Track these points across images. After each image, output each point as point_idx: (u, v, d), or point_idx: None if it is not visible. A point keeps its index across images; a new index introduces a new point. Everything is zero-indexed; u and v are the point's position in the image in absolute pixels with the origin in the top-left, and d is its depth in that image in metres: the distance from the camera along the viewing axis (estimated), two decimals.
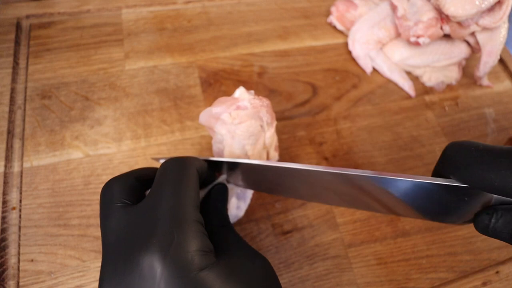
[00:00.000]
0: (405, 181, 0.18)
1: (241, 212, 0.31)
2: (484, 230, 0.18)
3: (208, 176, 0.25)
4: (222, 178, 0.28)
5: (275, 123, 0.29)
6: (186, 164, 0.21)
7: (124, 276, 0.17)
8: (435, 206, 0.20)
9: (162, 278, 0.16)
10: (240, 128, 0.25)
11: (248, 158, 0.27)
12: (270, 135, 0.28)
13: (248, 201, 0.32)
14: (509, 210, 0.17)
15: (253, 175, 0.27)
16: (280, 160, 0.36)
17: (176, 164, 0.21)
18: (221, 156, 0.28)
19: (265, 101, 0.27)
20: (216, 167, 0.27)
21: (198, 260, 0.17)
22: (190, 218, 0.18)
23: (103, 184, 0.32)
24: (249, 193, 0.32)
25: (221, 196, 0.26)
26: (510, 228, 0.17)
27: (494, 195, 0.17)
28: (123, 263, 0.17)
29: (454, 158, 0.18)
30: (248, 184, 0.30)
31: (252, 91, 0.27)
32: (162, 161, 0.29)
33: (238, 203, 0.31)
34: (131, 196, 0.20)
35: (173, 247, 0.17)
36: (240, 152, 0.27)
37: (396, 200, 0.21)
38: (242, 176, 0.28)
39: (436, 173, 0.19)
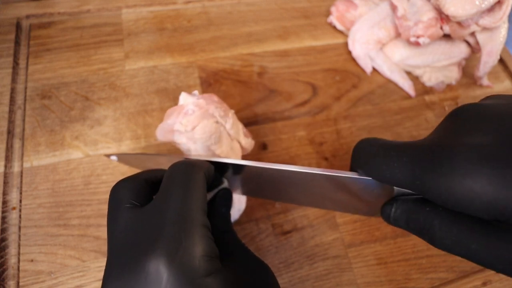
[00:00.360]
0: (320, 174, 0.21)
1: (235, 217, 0.31)
2: (387, 219, 0.20)
3: (214, 180, 0.25)
4: (226, 183, 0.28)
5: (231, 112, 0.28)
6: (194, 167, 0.21)
7: (129, 279, 0.17)
8: (352, 198, 0.22)
9: (169, 283, 0.16)
10: (197, 132, 0.25)
11: (219, 156, 0.27)
12: (230, 126, 0.28)
13: (243, 206, 0.32)
14: (406, 201, 0.18)
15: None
16: (273, 157, 0.36)
17: (184, 167, 0.21)
18: None
19: (212, 97, 0.27)
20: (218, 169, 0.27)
21: (205, 265, 0.17)
22: (197, 222, 0.18)
23: (104, 184, 0.32)
24: (243, 198, 0.32)
25: (225, 201, 0.26)
26: (405, 217, 0.18)
27: (395, 187, 0.19)
28: (129, 265, 0.17)
29: (359, 153, 0.20)
30: (245, 189, 0.30)
31: (196, 92, 0.27)
32: (113, 157, 0.29)
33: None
34: (140, 197, 0.20)
35: (180, 251, 0.17)
36: (208, 154, 0.27)
37: (318, 193, 0.24)
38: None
39: (351, 168, 0.21)
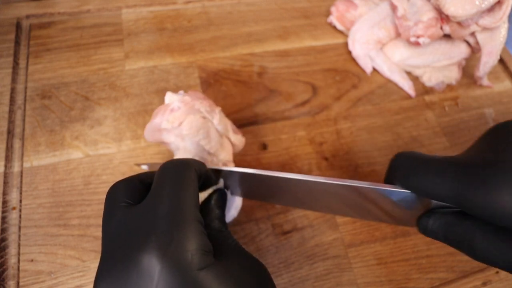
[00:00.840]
0: (361, 187, 0.21)
1: (231, 218, 0.31)
2: (424, 231, 0.20)
3: (207, 179, 0.25)
4: (221, 183, 0.28)
5: (217, 108, 0.28)
6: (185, 165, 0.21)
7: (121, 275, 0.17)
8: (390, 209, 0.22)
9: (161, 277, 0.16)
10: (184, 128, 0.25)
11: (209, 152, 0.27)
12: (218, 121, 0.28)
13: (239, 204, 0.32)
14: (445, 213, 0.19)
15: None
16: (273, 157, 0.36)
17: (175, 165, 0.21)
18: None
19: (197, 94, 0.27)
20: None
21: (198, 259, 0.17)
22: (190, 217, 0.18)
23: (104, 184, 0.32)
24: (239, 198, 0.32)
25: (220, 202, 0.26)
26: (444, 230, 0.19)
27: (433, 200, 0.19)
28: (121, 261, 0.17)
29: (398, 167, 0.20)
30: (244, 193, 0.30)
31: (182, 91, 0.27)
32: (144, 167, 0.29)
33: (228, 209, 0.31)
34: (134, 197, 0.20)
35: (172, 245, 0.17)
36: (198, 150, 0.27)
37: (358, 204, 0.24)
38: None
39: (386, 180, 0.21)
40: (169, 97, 0.26)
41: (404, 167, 0.20)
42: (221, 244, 0.22)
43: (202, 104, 0.27)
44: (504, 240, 0.16)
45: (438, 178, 0.18)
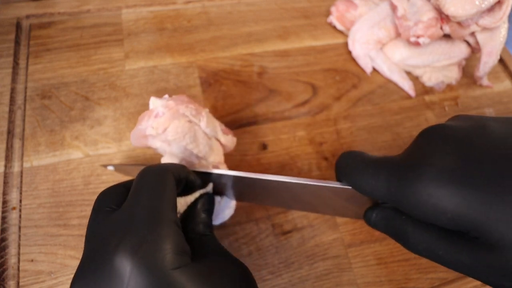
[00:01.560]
0: (312, 185, 0.23)
1: (225, 218, 0.31)
2: (369, 222, 0.22)
3: (190, 183, 0.25)
4: (210, 187, 0.28)
5: (204, 110, 0.28)
6: (161, 170, 0.22)
7: (94, 276, 0.17)
8: (342, 204, 0.25)
9: (132, 276, 0.16)
10: (169, 134, 0.25)
11: (197, 156, 0.27)
12: (205, 124, 0.27)
13: (233, 207, 0.32)
14: (385, 208, 0.21)
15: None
16: (273, 157, 0.36)
17: (152, 170, 0.21)
18: None
19: (182, 97, 0.26)
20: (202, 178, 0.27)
21: (171, 259, 0.17)
22: (165, 218, 0.19)
23: (104, 184, 0.32)
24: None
25: (206, 205, 0.26)
26: (384, 223, 0.21)
27: None
28: (95, 263, 0.18)
29: (342, 165, 0.22)
30: (232, 194, 0.30)
31: (166, 95, 0.27)
32: (110, 167, 0.30)
33: (223, 208, 0.31)
34: (119, 202, 0.21)
35: (144, 246, 0.17)
36: (185, 155, 0.27)
37: (311, 200, 0.27)
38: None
39: (337, 179, 0.23)
40: (153, 102, 0.26)
41: (346, 165, 0.22)
42: (204, 247, 0.22)
43: (188, 108, 0.26)
44: (431, 236, 0.18)
45: (373, 179, 0.19)
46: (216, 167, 0.28)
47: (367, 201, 0.23)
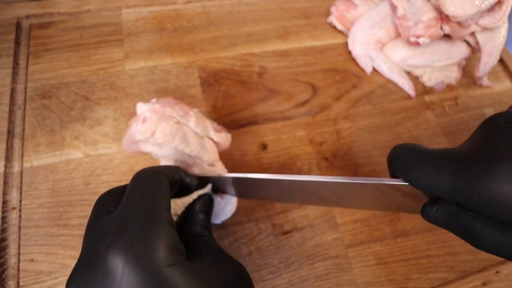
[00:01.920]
0: (367, 183, 0.22)
1: (226, 216, 0.31)
2: (428, 218, 0.21)
3: (186, 184, 0.26)
4: (208, 188, 0.28)
5: (192, 111, 0.28)
6: (154, 172, 0.22)
7: (88, 275, 0.17)
8: (396, 199, 0.23)
9: (125, 273, 0.17)
10: (158, 137, 0.25)
11: (190, 155, 0.27)
12: (195, 124, 0.27)
13: (234, 205, 0.32)
14: (447, 203, 0.19)
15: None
16: (273, 157, 0.36)
17: (145, 173, 0.22)
18: None
19: (168, 100, 0.27)
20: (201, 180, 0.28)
21: (164, 256, 0.17)
22: (157, 217, 0.19)
23: (104, 184, 0.32)
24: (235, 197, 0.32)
25: (204, 207, 0.26)
26: (446, 219, 0.19)
27: None
28: (89, 261, 0.18)
29: (397, 161, 0.21)
30: (234, 192, 0.30)
31: (153, 99, 0.27)
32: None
33: (225, 206, 0.31)
34: (116, 204, 0.21)
35: (136, 243, 0.17)
36: (178, 155, 0.27)
37: (365, 198, 0.26)
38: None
39: (391, 174, 0.22)
40: (140, 107, 0.26)
41: (402, 161, 0.20)
42: (201, 248, 0.22)
43: (174, 110, 0.26)
44: (503, 232, 0.17)
45: (435, 175, 0.18)
46: (212, 165, 0.28)
47: (424, 196, 0.21)
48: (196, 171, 0.28)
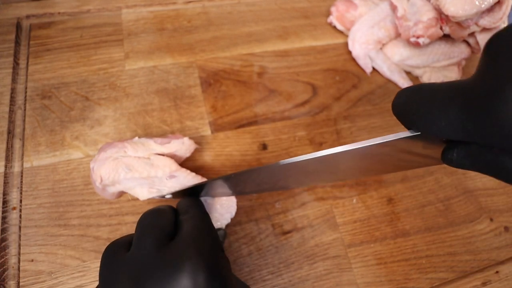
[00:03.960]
0: (381, 143, 0.19)
1: (226, 221, 0.31)
2: (450, 163, 0.18)
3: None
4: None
5: (127, 141, 0.30)
6: (159, 211, 0.23)
7: None
8: (418, 152, 0.21)
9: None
10: (104, 179, 0.28)
11: (147, 177, 0.29)
12: (133, 150, 0.29)
13: (233, 211, 0.32)
14: (467, 144, 0.17)
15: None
16: (273, 157, 0.36)
17: (150, 213, 0.23)
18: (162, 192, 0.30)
19: (104, 146, 0.29)
20: (198, 189, 0.29)
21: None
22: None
23: None
24: (233, 202, 0.32)
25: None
26: (470, 161, 0.17)
27: None
28: None
29: (401, 112, 0.18)
30: (231, 193, 0.30)
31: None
32: (168, 196, 0.31)
33: (223, 212, 0.31)
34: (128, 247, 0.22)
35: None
36: (138, 183, 0.29)
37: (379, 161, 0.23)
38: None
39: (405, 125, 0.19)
40: (91, 164, 0.29)
41: (407, 111, 0.18)
42: None
43: (107, 151, 0.29)
44: None
45: (444, 119, 0.16)
46: (172, 176, 0.29)
47: (441, 142, 0.19)
48: (163, 189, 0.30)
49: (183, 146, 0.32)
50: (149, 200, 0.31)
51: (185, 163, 0.35)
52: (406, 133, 0.18)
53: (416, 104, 0.17)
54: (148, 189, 0.29)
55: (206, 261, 0.19)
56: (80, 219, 0.31)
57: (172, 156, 0.31)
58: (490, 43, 0.15)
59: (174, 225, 0.23)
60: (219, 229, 0.31)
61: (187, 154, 0.33)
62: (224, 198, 0.31)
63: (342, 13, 0.45)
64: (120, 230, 0.31)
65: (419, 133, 0.18)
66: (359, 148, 0.20)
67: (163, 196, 0.30)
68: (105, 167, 0.28)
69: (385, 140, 0.19)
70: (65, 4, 0.43)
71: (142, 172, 0.29)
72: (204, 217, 0.24)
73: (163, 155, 0.31)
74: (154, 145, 0.31)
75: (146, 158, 0.30)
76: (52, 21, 0.42)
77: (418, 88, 0.17)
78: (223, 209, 0.31)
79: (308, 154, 0.22)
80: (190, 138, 0.36)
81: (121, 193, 0.31)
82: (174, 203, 0.28)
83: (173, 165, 0.30)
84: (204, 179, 0.30)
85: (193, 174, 0.30)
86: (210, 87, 0.40)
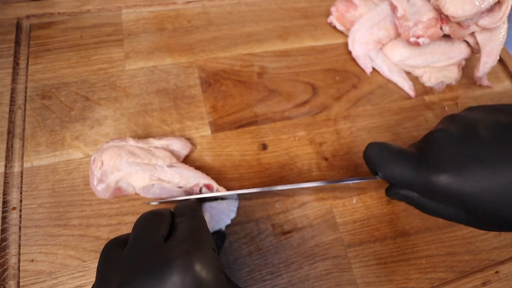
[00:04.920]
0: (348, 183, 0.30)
1: (224, 223, 0.31)
2: (390, 196, 0.29)
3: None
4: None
5: (127, 138, 0.32)
6: (156, 213, 0.24)
7: None
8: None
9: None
10: (106, 161, 0.29)
11: (148, 164, 0.30)
12: (134, 141, 0.31)
13: (233, 214, 0.32)
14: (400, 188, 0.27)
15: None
16: (273, 157, 0.36)
17: (148, 214, 0.24)
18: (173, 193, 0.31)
19: (108, 143, 0.31)
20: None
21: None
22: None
23: None
24: (235, 206, 0.32)
25: (217, 241, 0.30)
26: (402, 197, 0.28)
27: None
28: None
29: (372, 159, 0.27)
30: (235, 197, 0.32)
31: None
32: (153, 203, 0.32)
33: (222, 216, 0.31)
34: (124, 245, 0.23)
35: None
36: (139, 168, 0.30)
37: None
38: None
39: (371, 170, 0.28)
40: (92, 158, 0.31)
41: (376, 160, 0.27)
42: None
43: (110, 142, 0.31)
44: (439, 205, 0.26)
45: (402, 175, 0.25)
46: (172, 166, 0.31)
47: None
48: (164, 177, 0.30)
49: (180, 141, 0.34)
50: (143, 194, 0.31)
51: (185, 163, 0.35)
52: (373, 177, 0.27)
53: (382, 160, 0.26)
54: (150, 176, 0.30)
55: (195, 260, 0.19)
56: (80, 219, 0.31)
57: (169, 152, 0.32)
58: (428, 137, 0.26)
59: (171, 228, 0.23)
60: (219, 230, 0.31)
61: (184, 152, 0.34)
62: (225, 202, 0.31)
63: (342, 13, 0.45)
64: (120, 230, 0.31)
65: (381, 178, 0.27)
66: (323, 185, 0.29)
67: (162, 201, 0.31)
68: (108, 152, 0.29)
69: (355, 181, 0.29)
70: (65, 4, 0.43)
71: (144, 158, 0.30)
72: (198, 220, 0.24)
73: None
74: (152, 139, 0.33)
75: (147, 150, 0.31)
76: (52, 21, 0.42)
77: (384, 146, 0.27)
78: (223, 213, 0.31)
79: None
80: (190, 138, 0.36)
81: (116, 191, 0.31)
82: (172, 207, 0.28)
83: (172, 158, 0.32)
84: (202, 173, 0.31)
85: (192, 167, 0.31)
86: (210, 87, 0.40)
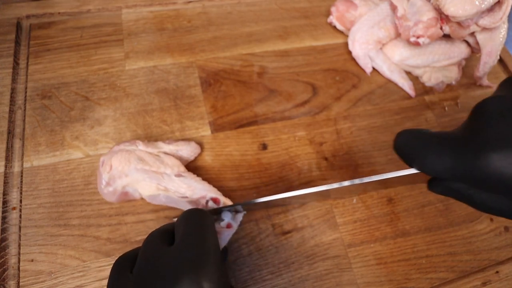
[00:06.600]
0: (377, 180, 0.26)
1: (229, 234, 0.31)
2: (433, 190, 0.24)
3: None
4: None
5: (136, 141, 0.31)
6: (204, 213, 0.24)
7: None
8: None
9: None
10: (115, 166, 0.29)
11: (157, 172, 0.30)
12: (144, 146, 0.31)
13: (237, 224, 0.32)
14: (448, 180, 0.22)
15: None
16: (273, 157, 0.36)
17: (195, 214, 0.24)
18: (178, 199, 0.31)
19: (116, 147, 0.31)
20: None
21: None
22: (215, 256, 0.21)
23: None
24: (240, 216, 0.32)
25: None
26: (447, 190, 0.23)
27: None
28: None
29: (403, 149, 0.23)
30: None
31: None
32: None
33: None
34: (169, 239, 0.23)
35: (202, 277, 0.19)
36: (146, 176, 0.30)
37: None
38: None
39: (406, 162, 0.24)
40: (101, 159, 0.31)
41: (409, 150, 0.23)
42: None
43: (120, 145, 0.31)
44: (491, 196, 0.20)
45: (441, 163, 0.20)
46: (179, 175, 0.31)
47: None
48: (171, 187, 0.30)
49: (189, 147, 0.33)
50: (149, 200, 0.31)
51: (186, 163, 0.35)
52: (409, 171, 0.23)
53: (415, 149, 0.22)
54: (157, 185, 0.30)
55: (203, 280, 0.19)
56: (80, 219, 0.31)
57: (178, 158, 0.32)
58: (478, 107, 0.20)
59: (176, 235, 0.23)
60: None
61: (192, 157, 0.34)
62: (230, 215, 0.31)
63: (342, 13, 0.45)
64: (120, 230, 0.31)
65: (418, 171, 0.23)
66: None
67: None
68: (118, 156, 0.29)
69: (388, 177, 0.25)
70: (65, 4, 0.43)
71: (152, 165, 0.30)
72: (206, 232, 0.23)
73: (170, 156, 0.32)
74: (162, 144, 0.33)
75: (156, 155, 0.31)
76: (52, 21, 0.42)
77: (416, 134, 0.23)
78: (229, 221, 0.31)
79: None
80: (191, 138, 0.36)
81: (123, 195, 0.31)
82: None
83: (181, 167, 0.32)
84: (209, 185, 0.31)
85: (199, 178, 0.31)
86: (210, 87, 0.40)
